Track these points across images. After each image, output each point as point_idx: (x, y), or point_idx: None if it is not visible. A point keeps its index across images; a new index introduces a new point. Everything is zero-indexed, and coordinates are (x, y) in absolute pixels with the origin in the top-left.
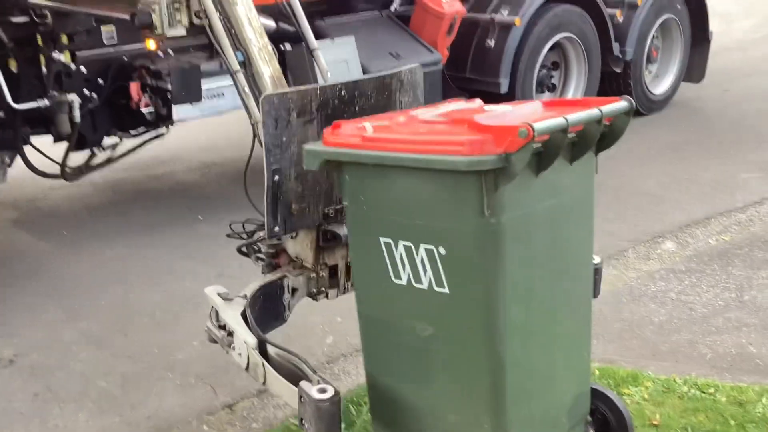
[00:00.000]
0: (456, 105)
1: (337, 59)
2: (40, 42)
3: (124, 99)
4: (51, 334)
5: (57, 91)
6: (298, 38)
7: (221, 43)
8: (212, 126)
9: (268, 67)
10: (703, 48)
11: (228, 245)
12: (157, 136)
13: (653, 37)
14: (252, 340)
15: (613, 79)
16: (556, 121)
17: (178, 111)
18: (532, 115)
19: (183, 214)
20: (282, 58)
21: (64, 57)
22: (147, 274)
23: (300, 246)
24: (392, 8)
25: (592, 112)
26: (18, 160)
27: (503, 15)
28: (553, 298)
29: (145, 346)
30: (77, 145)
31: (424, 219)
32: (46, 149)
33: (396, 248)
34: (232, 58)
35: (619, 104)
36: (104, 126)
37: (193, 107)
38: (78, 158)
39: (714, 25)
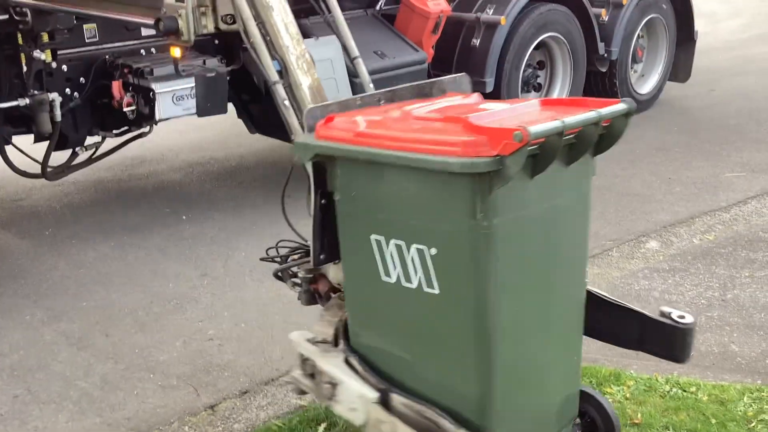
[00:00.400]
0: (452, 100)
1: (322, 58)
2: (20, 40)
3: (106, 98)
4: (31, 335)
5: (37, 90)
6: None
7: (259, 52)
8: (196, 125)
9: (306, 77)
10: (689, 47)
11: (211, 245)
12: (139, 135)
13: (638, 36)
14: (372, 394)
15: (599, 78)
16: (552, 124)
17: (160, 110)
18: (528, 115)
19: (166, 214)
20: None
21: (44, 55)
22: (129, 274)
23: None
24: (377, 7)
25: (590, 114)
26: None
27: (488, 14)
28: (545, 300)
29: (127, 347)
30: (59, 144)
31: (416, 218)
32: (27, 149)
33: (386, 246)
34: (271, 69)
35: (618, 106)
36: (86, 125)
37: (176, 105)
38: (60, 158)
39: (701, 25)
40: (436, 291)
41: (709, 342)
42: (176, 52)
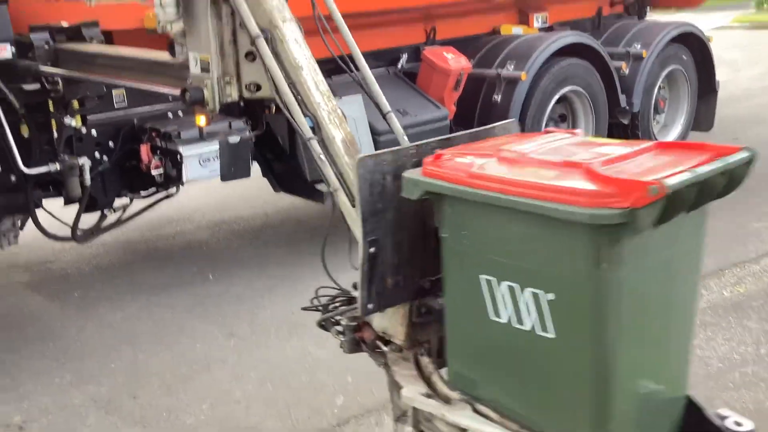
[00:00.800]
0: (560, 137)
1: (346, 116)
2: (51, 108)
3: (135, 161)
4: (60, 398)
5: (68, 155)
6: None
7: (292, 110)
8: (221, 183)
9: (339, 131)
10: (711, 97)
11: (237, 304)
12: (166, 196)
13: (660, 87)
14: None
15: (621, 130)
16: (685, 176)
17: (187, 172)
18: (649, 162)
19: (193, 274)
20: (290, 122)
21: (75, 121)
22: (157, 335)
23: (389, 321)
24: (399, 65)
25: (718, 165)
26: (29, 222)
27: (509, 70)
28: (660, 346)
29: (154, 410)
30: (88, 206)
31: (533, 264)
32: (57, 211)
33: (498, 287)
34: (305, 125)
35: (742, 155)
36: (115, 188)
37: (202, 167)
38: (89, 219)
39: (721, 73)
40: (552, 335)
41: (744, 399)
42: (201, 120)
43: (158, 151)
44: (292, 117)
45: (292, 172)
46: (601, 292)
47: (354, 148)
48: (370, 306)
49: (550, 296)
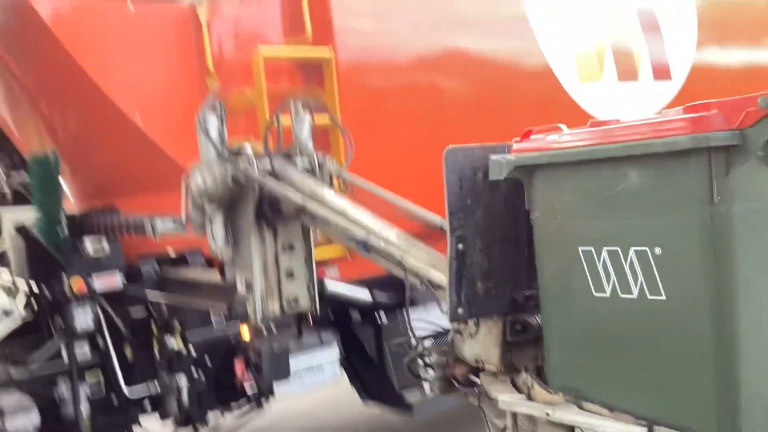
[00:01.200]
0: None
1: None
2: (154, 329)
3: (229, 376)
4: None
5: (167, 373)
6: (393, 308)
7: (347, 227)
8: (309, 392)
9: (391, 231)
10: None
11: None
12: (258, 408)
13: None
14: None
15: None
16: None
17: (279, 386)
18: None
19: None
20: (378, 331)
21: (175, 341)
22: None
23: (482, 344)
24: None
25: None
26: None
27: None
28: None
29: None
30: (182, 421)
31: (636, 216)
32: (151, 424)
33: (599, 256)
34: (359, 229)
35: None
36: (209, 403)
37: (292, 382)
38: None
39: None
40: (663, 297)
41: None
42: (245, 332)
43: (251, 366)
44: (347, 232)
45: (380, 381)
46: (715, 234)
47: (409, 239)
48: (459, 311)
49: (658, 250)
